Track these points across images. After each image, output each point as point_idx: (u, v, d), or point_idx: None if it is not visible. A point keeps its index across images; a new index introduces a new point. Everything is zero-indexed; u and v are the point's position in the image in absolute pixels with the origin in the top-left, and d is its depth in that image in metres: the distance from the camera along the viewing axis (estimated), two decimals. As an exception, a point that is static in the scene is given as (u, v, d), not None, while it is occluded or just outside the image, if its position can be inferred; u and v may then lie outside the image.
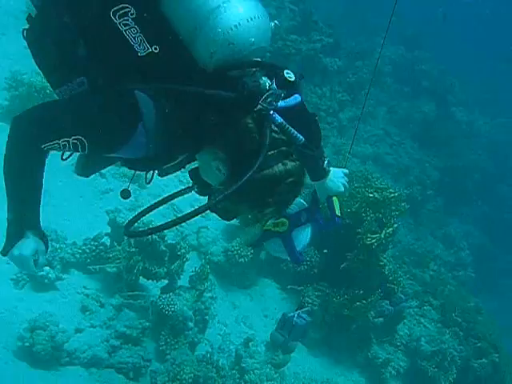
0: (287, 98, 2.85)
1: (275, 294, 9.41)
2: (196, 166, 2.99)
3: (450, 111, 20.04)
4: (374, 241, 8.64)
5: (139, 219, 3.25)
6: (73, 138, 2.69)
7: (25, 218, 2.91)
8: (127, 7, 2.70)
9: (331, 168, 3.63)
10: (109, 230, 7.77)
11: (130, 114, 2.72)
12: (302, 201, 3.37)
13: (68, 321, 6.83)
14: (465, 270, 16.33)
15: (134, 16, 2.70)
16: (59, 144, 2.71)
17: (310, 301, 8.91)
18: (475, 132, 20.69)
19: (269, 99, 2.66)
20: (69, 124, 2.72)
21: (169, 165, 3.05)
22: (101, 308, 7.17)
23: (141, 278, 7.49)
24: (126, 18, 2.70)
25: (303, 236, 3.37)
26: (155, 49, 2.68)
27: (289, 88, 2.82)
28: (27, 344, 6.30)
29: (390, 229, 8.81)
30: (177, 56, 2.70)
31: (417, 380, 9.57)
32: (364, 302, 8.66)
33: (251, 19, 2.69)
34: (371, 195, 8.85)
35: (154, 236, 7.30)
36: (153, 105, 2.73)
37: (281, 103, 2.75)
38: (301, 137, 2.80)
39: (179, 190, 3.27)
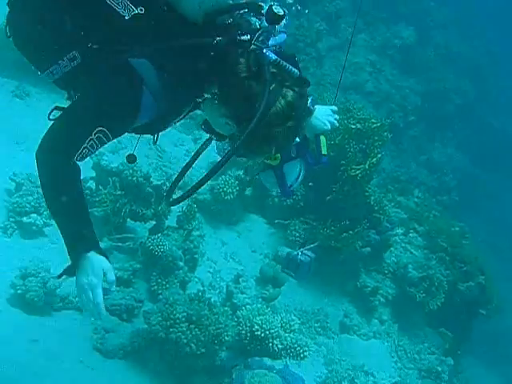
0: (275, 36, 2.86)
1: (262, 229, 9.50)
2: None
3: (429, 35, 19.86)
4: (358, 172, 8.70)
5: (177, 185, 3.39)
6: (94, 133, 2.71)
7: (84, 239, 2.87)
8: None
9: (317, 106, 3.62)
10: (93, 173, 7.75)
11: (132, 83, 2.77)
12: None
13: (59, 266, 6.73)
14: (449, 195, 16.50)
15: None
16: (87, 148, 2.73)
17: (297, 234, 9.02)
18: (455, 56, 20.54)
19: (261, 38, 2.69)
20: (84, 124, 2.74)
21: (176, 120, 3.11)
22: (90, 252, 7.17)
23: (128, 220, 7.52)
24: None
25: (293, 171, 3.46)
26: (141, 10, 2.70)
27: (278, 23, 2.82)
28: (20, 291, 6.34)
29: (374, 159, 8.85)
30: (164, 14, 2.72)
31: (405, 306, 9.75)
32: (351, 232, 8.77)
33: None
34: (354, 126, 8.86)
35: (139, 178, 7.32)
36: (152, 67, 2.77)
37: (271, 41, 2.77)
38: (296, 70, 2.81)
39: (201, 145, 3.35)
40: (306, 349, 6.97)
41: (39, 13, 2.93)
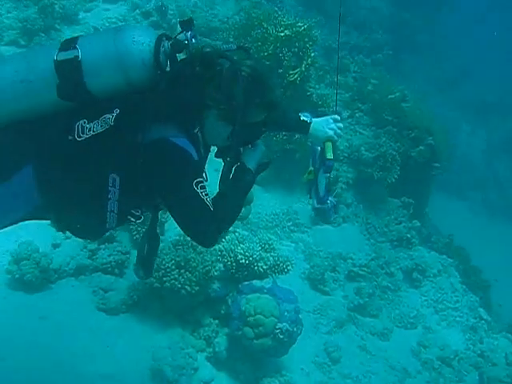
0: None
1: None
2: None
3: None
4: (296, 76, 9.02)
5: None
6: (199, 189, 3.21)
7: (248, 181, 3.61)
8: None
9: (313, 119, 4.12)
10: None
11: (164, 143, 3.25)
12: (317, 148, 4.07)
13: (43, 241, 7.16)
14: (382, 51, 16.66)
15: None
16: (208, 199, 3.26)
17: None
18: None
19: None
20: (190, 195, 3.23)
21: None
22: (68, 218, 7.40)
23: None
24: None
25: (322, 181, 4.02)
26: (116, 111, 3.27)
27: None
28: (17, 276, 6.71)
29: (309, 59, 9.17)
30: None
31: (366, 186, 10.36)
32: (301, 132, 9.16)
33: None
34: (282, 34, 9.09)
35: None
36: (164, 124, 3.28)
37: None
38: (229, 45, 3.43)
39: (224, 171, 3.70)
40: (289, 263, 7.44)
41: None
